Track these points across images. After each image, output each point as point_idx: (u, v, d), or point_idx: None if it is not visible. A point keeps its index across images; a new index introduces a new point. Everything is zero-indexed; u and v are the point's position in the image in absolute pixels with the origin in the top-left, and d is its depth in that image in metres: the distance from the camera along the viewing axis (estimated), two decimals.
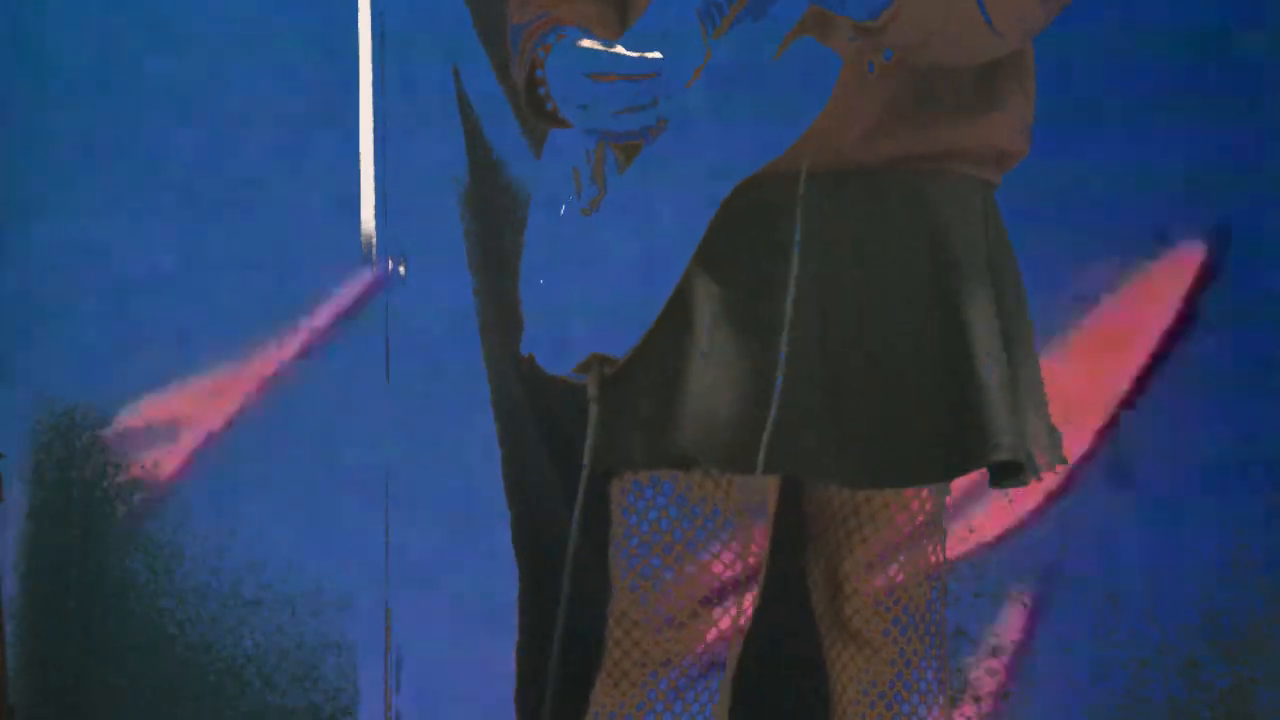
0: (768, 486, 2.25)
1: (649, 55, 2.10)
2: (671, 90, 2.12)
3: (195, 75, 3.67)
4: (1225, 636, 3.28)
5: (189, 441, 3.67)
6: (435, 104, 3.58)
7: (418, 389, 3.58)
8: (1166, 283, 3.27)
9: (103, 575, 3.70)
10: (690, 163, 2.15)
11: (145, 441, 3.70)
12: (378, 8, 3.61)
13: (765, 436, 2.05)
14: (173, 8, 3.69)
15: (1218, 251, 3.27)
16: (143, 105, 3.69)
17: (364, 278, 3.60)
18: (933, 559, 2.32)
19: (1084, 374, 3.21)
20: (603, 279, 2.23)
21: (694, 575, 2.19)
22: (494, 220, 3.55)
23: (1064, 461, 2.23)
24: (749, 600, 2.23)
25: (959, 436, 2.11)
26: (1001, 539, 3.37)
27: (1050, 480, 2.29)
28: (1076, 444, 3.17)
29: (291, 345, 3.61)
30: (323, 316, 3.60)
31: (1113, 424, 3.28)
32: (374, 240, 3.60)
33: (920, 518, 2.28)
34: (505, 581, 3.51)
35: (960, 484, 2.33)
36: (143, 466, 3.69)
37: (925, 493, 2.28)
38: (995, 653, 3.37)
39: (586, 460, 2.19)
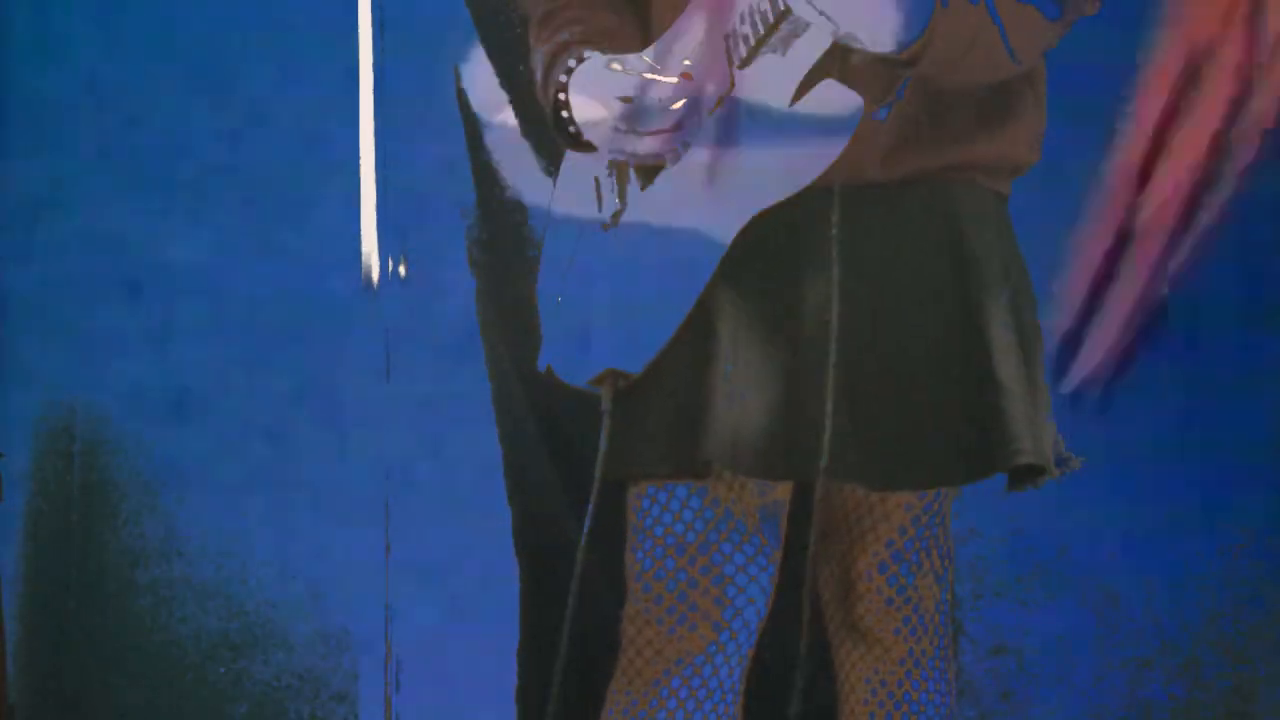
0: (784, 489, 2.26)
1: (678, 79, 2.12)
2: (697, 116, 2.13)
3: (195, 75, 3.66)
4: (1225, 636, 3.29)
5: (189, 441, 3.67)
6: (435, 104, 3.58)
7: (418, 389, 3.58)
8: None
9: (103, 575, 3.69)
10: (712, 185, 2.15)
11: (145, 441, 3.69)
12: (378, 7, 3.61)
13: (797, 444, 2.07)
14: (173, 7, 3.69)
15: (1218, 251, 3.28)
16: (143, 106, 3.68)
17: (364, 278, 3.60)
18: (943, 559, 2.34)
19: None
20: (621, 293, 2.24)
21: (708, 577, 2.20)
22: (495, 220, 3.55)
23: (1076, 464, 2.24)
24: (763, 601, 2.24)
25: (981, 440, 2.13)
26: (1002, 539, 3.38)
27: (1051, 480, 2.29)
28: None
29: (291, 345, 3.61)
30: (323, 316, 3.60)
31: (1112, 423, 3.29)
32: (374, 240, 3.60)
33: (932, 518, 2.30)
34: (505, 582, 3.51)
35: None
36: (143, 466, 3.69)
37: (939, 492, 2.29)
38: (995, 653, 3.38)
39: (598, 472, 2.20)
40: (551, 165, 3.13)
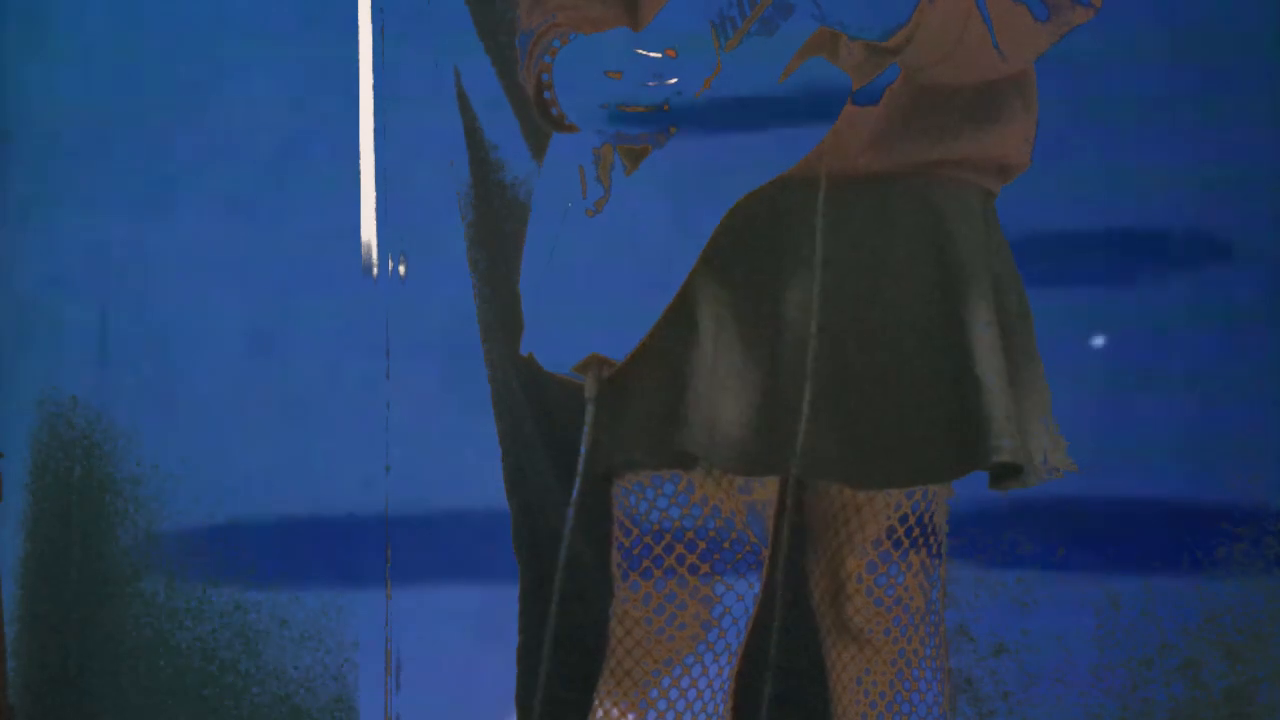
0: (769, 486, 2.26)
1: (665, 56, 2.11)
2: (683, 95, 2.13)
3: (196, 75, 3.67)
4: (1225, 636, 3.28)
5: (189, 441, 3.67)
6: (435, 103, 3.58)
7: (418, 389, 3.58)
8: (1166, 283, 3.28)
9: (103, 575, 3.70)
10: (696, 170, 2.15)
11: (145, 441, 3.70)
12: (378, 7, 3.61)
13: (775, 439, 2.06)
14: (174, 7, 3.69)
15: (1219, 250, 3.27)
16: (143, 106, 3.69)
17: (364, 278, 3.60)
18: (933, 559, 2.33)
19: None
20: (604, 280, 2.23)
21: (695, 574, 2.20)
22: (494, 220, 3.55)
23: (1073, 467, 2.23)
24: (751, 599, 2.24)
25: (961, 438, 2.12)
26: (1001, 539, 3.37)
27: (1050, 480, 2.29)
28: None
29: (292, 345, 3.61)
30: (323, 316, 3.60)
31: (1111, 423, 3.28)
32: (374, 240, 3.60)
33: (920, 518, 2.29)
34: (505, 581, 3.51)
35: (962, 483, 2.33)
36: (143, 466, 3.69)
37: (927, 492, 2.29)
38: (995, 653, 3.38)
39: (581, 461, 2.20)
40: None
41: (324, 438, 3.60)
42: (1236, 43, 3.27)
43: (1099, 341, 3.32)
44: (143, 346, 3.67)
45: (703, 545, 2.20)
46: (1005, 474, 2.17)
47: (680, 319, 2.14)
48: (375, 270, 3.59)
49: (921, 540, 2.30)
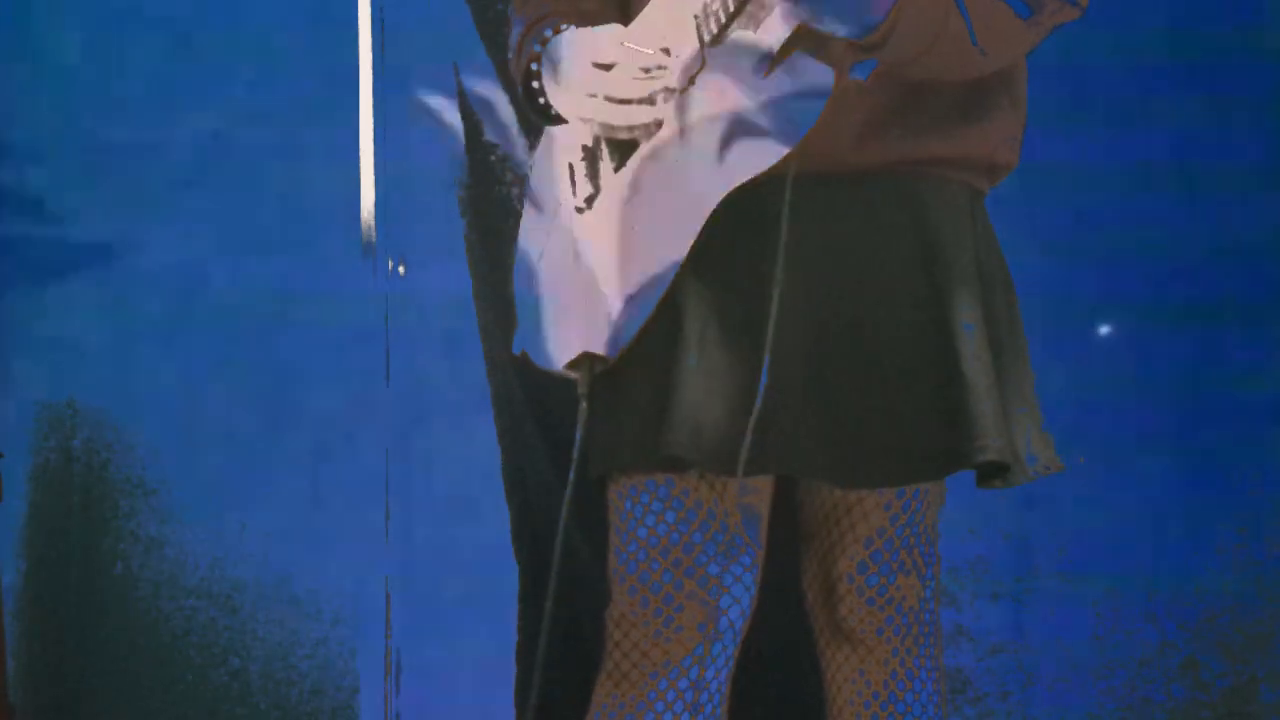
0: (763, 488, 2.25)
1: (652, 52, 2.11)
2: (670, 88, 2.13)
3: (196, 75, 3.67)
4: (1225, 636, 3.28)
5: (189, 441, 3.67)
6: (435, 103, 3.58)
7: (418, 389, 3.59)
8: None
9: (103, 575, 3.70)
10: (685, 165, 2.15)
11: (145, 442, 3.70)
12: (378, 6, 3.61)
13: (747, 437, 2.05)
14: (174, 7, 3.69)
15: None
16: (144, 105, 3.69)
17: (364, 278, 3.60)
18: (926, 558, 2.32)
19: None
20: (595, 276, 2.23)
21: (692, 579, 2.19)
22: (494, 221, 3.55)
23: (1060, 466, 2.23)
24: (747, 601, 2.23)
25: (946, 436, 2.11)
26: (1001, 539, 3.37)
27: (1050, 480, 2.28)
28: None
29: (291, 345, 3.61)
30: (323, 316, 3.60)
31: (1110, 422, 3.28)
32: (374, 240, 3.60)
33: (912, 517, 2.29)
34: (505, 581, 3.51)
35: (960, 483, 2.32)
36: (142, 466, 3.70)
37: (918, 492, 2.28)
38: (995, 653, 3.38)
39: (574, 462, 2.20)
40: None
41: (324, 438, 3.60)
42: (1236, 43, 3.27)
43: (1103, 330, 3.32)
44: (142, 347, 3.67)
45: (698, 548, 2.19)
46: (992, 472, 2.16)
47: (668, 319, 2.14)
48: (375, 271, 3.60)
49: (913, 540, 2.29)
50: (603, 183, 2.26)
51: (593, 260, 2.24)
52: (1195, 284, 3.27)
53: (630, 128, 2.18)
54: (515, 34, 2.34)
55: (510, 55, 2.35)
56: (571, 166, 2.30)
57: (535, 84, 2.27)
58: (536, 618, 3.43)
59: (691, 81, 2.14)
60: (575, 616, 2.65)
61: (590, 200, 2.27)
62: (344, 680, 3.60)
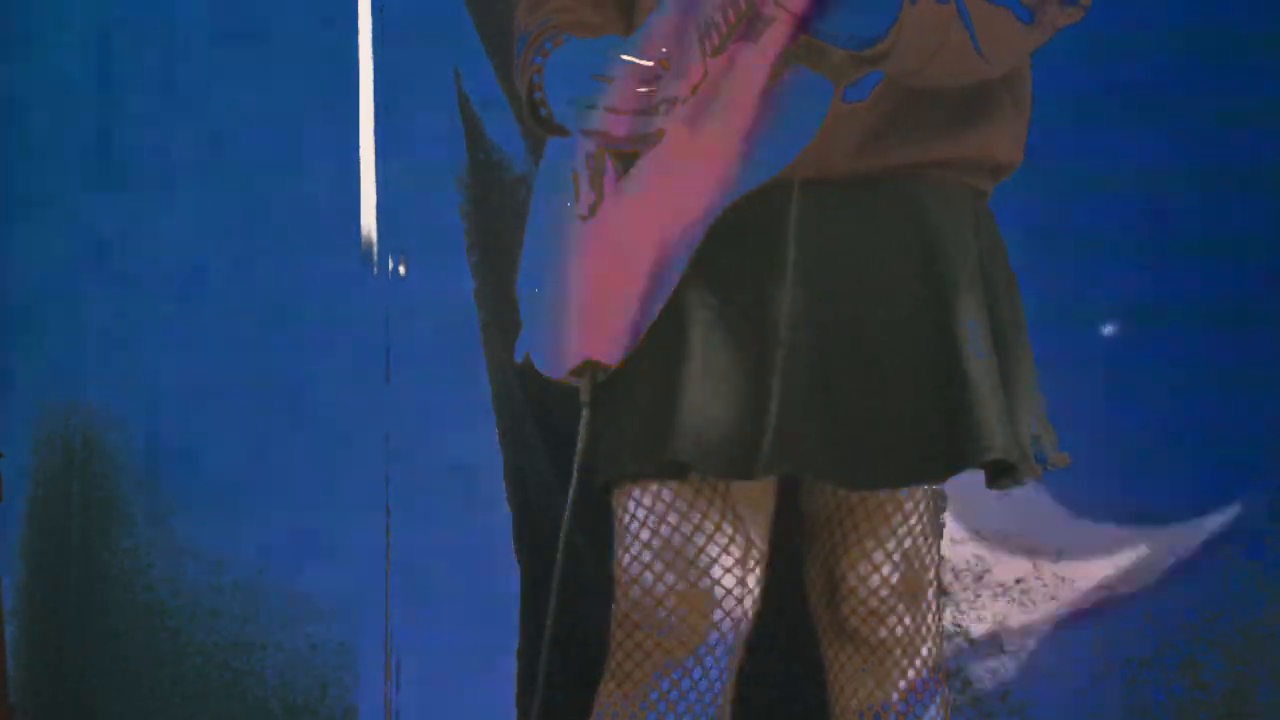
0: (765, 489, 2.26)
1: (653, 64, 2.12)
2: (672, 99, 2.14)
3: (196, 75, 3.67)
4: (1225, 636, 3.29)
5: (189, 441, 3.68)
6: (435, 103, 3.58)
7: (418, 389, 3.59)
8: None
9: (103, 575, 3.70)
10: (688, 175, 2.15)
11: (145, 442, 3.70)
12: (378, 7, 3.62)
13: (764, 442, 2.06)
14: (174, 7, 3.70)
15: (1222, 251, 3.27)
16: (143, 105, 3.69)
17: (364, 278, 3.60)
18: (929, 559, 2.33)
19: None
20: (599, 284, 2.24)
21: (695, 580, 2.20)
22: (494, 221, 3.55)
23: (1065, 463, 2.23)
24: (750, 602, 2.24)
25: (951, 437, 2.12)
26: (1001, 539, 3.37)
27: (1050, 480, 2.29)
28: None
29: (291, 345, 3.61)
30: (323, 316, 3.60)
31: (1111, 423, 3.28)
32: (374, 240, 3.60)
33: (916, 518, 2.29)
34: (505, 582, 3.51)
35: (960, 484, 2.33)
36: (142, 466, 3.70)
37: (920, 493, 2.29)
38: (995, 652, 3.38)
39: (576, 470, 2.20)
40: None
41: (324, 438, 3.60)
42: (1237, 42, 3.27)
43: (1107, 329, 3.32)
44: (142, 347, 3.68)
45: (700, 550, 2.20)
46: (1000, 472, 2.17)
47: (671, 325, 2.15)
48: (375, 271, 3.60)
49: (915, 540, 2.30)
50: (606, 191, 2.26)
51: (596, 268, 2.25)
52: (1196, 283, 3.27)
53: (632, 139, 2.19)
54: (520, 45, 2.35)
55: (515, 68, 2.35)
56: (576, 173, 2.31)
57: (538, 95, 2.28)
58: (538, 618, 3.43)
59: (693, 93, 2.14)
60: (578, 618, 2.65)
61: (593, 208, 2.28)
62: (344, 680, 3.60)
